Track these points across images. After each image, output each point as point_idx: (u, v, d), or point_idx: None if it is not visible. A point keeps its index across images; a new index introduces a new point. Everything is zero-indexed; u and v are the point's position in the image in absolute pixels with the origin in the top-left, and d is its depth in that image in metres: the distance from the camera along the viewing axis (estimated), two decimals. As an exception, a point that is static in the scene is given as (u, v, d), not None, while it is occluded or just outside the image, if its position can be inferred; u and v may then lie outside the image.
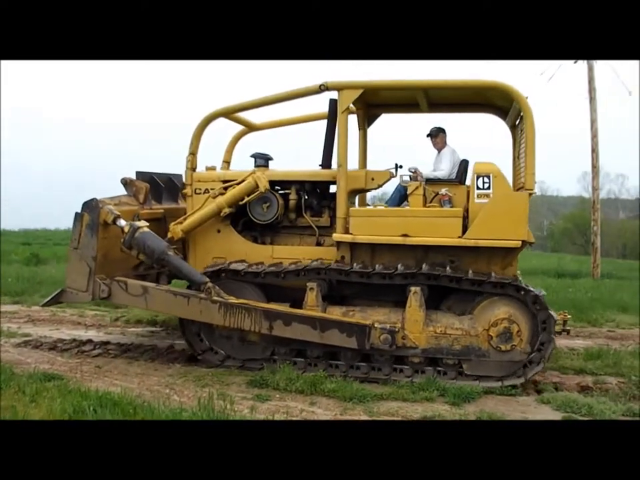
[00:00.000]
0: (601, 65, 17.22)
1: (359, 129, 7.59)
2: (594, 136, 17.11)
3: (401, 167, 6.68)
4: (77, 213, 6.10)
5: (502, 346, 5.65)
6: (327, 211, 6.76)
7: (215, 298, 5.89)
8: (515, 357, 5.70)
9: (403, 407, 5.12)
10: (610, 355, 6.82)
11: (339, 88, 6.19)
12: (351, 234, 6.08)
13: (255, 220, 6.58)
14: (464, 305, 5.93)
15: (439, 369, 5.89)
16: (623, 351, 7.12)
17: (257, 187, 6.31)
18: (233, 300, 5.93)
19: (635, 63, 20.49)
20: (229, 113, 6.97)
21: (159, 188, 7.23)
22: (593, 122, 17.06)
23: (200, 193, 6.70)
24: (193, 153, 6.75)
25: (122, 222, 6.12)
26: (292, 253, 6.56)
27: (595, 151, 17.25)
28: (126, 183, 6.78)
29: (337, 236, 6.11)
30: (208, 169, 6.96)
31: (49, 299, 6.36)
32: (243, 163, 7.62)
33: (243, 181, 6.39)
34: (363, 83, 6.19)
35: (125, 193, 6.82)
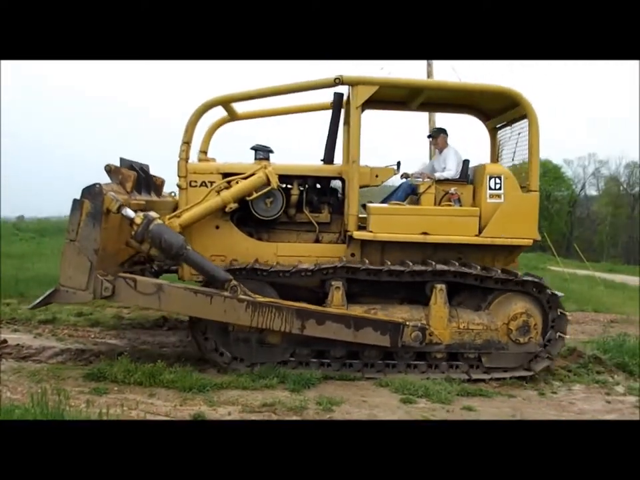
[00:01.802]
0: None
1: (345, 124, 7.53)
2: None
3: (399, 163, 6.75)
4: (75, 200, 5.33)
5: (520, 339, 5.95)
6: (326, 207, 6.63)
7: (242, 296, 5.52)
8: (531, 349, 6.04)
9: (243, 395, 5.11)
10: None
11: (354, 83, 6.11)
12: (371, 231, 6.03)
13: (258, 216, 6.27)
14: (475, 301, 6.15)
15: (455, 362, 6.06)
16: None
17: (268, 182, 6.03)
18: (261, 298, 5.60)
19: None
20: (230, 101, 6.55)
21: (139, 178, 6.59)
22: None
23: (196, 186, 6.24)
24: (187, 142, 6.25)
25: (129, 211, 5.51)
26: (297, 250, 6.35)
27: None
28: (110, 170, 6.02)
29: (358, 234, 6.03)
30: (201, 160, 6.49)
31: (39, 300, 5.49)
32: (218, 154, 7.23)
33: (250, 175, 6.07)
34: (378, 80, 6.19)
35: (109, 181, 6.12)
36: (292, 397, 5.11)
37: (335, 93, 6.51)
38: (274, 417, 4.60)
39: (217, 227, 6.25)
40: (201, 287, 5.67)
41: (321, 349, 5.91)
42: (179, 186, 6.30)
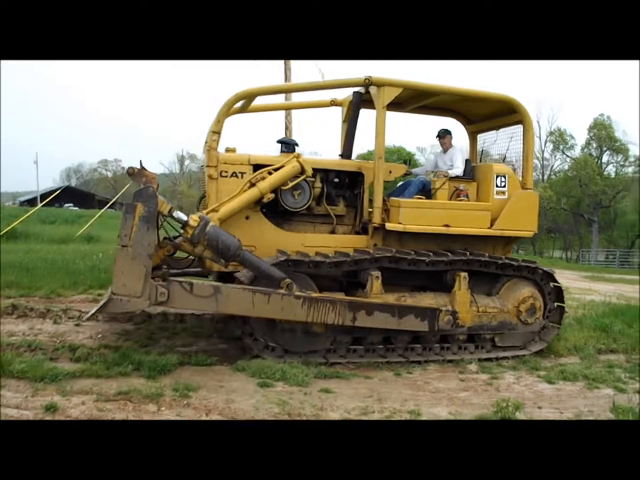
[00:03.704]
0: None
1: (343, 122, 7.87)
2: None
3: (409, 161, 7.26)
4: (127, 204, 5.18)
5: (529, 319, 6.72)
6: (341, 200, 6.93)
7: (298, 293, 5.66)
8: (535, 328, 6.84)
9: (98, 383, 4.89)
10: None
11: (382, 84, 6.49)
12: (401, 223, 6.45)
13: (286, 207, 6.42)
14: (482, 287, 6.79)
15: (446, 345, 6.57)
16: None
17: (303, 171, 6.23)
18: (315, 294, 5.79)
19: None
20: (262, 94, 6.61)
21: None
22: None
23: (226, 176, 6.27)
24: (217, 132, 6.26)
25: (180, 214, 5.47)
26: (323, 241, 6.59)
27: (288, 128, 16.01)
28: (133, 172, 5.69)
29: (391, 225, 6.43)
30: (228, 150, 6.50)
31: (94, 311, 5.26)
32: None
33: (282, 166, 6.23)
34: (403, 82, 6.60)
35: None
36: (148, 384, 4.94)
37: (354, 92, 6.85)
38: (129, 406, 4.46)
39: (247, 218, 6.32)
40: (257, 287, 5.68)
41: (359, 336, 6.21)
42: (209, 176, 6.26)
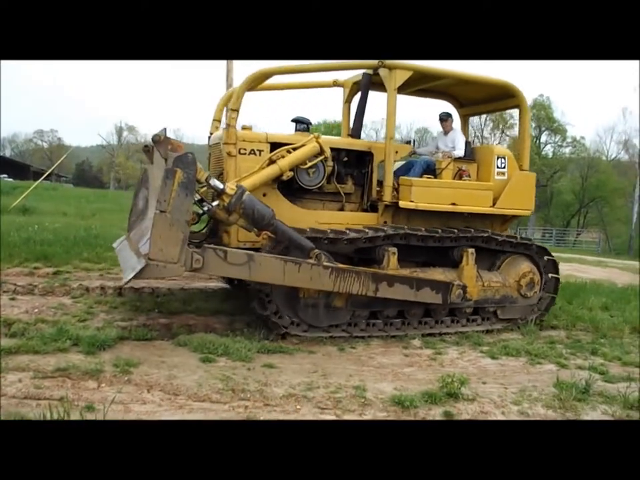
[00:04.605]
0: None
1: (344, 103, 8.03)
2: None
3: (414, 141, 7.52)
4: (167, 169, 5.13)
5: (528, 293, 7.16)
6: (349, 178, 7.11)
7: (326, 264, 5.85)
8: (533, 301, 7.29)
9: (35, 359, 4.68)
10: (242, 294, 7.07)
11: (394, 67, 6.66)
12: (413, 201, 6.72)
13: (302, 185, 6.54)
14: (482, 262, 7.15)
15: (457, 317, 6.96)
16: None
17: (322, 151, 6.38)
18: (341, 265, 5.97)
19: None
20: (280, 73, 6.65)
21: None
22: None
23: (245, 154, 6.35)
24: (236, 110, 6.29)
25: (217, 182, 5.52)
26: (335, 218, 6.76)
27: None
28: (159, 140, 5.61)
29: (403, 203, 6.68)
30: (244, 128, 6.55)
31: (130, 277, 5.13)
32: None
33: (301, 145, 6.35)
34: (413, 66, 6.77)
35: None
36: (87, 359, 4.77)
37: (364, 74, 7.02)
38: (68, 382, 4.29)
39: (264, 195, 6.39)
40: (288, 257, 5.80)
41: (377, 309, 6.47)
42: (228, 153, 6.31)
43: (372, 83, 7.08)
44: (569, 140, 48.61)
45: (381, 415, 4.21)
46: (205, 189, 5.89)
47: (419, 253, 6.81)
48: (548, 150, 49.56)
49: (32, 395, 4.00)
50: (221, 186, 5.51)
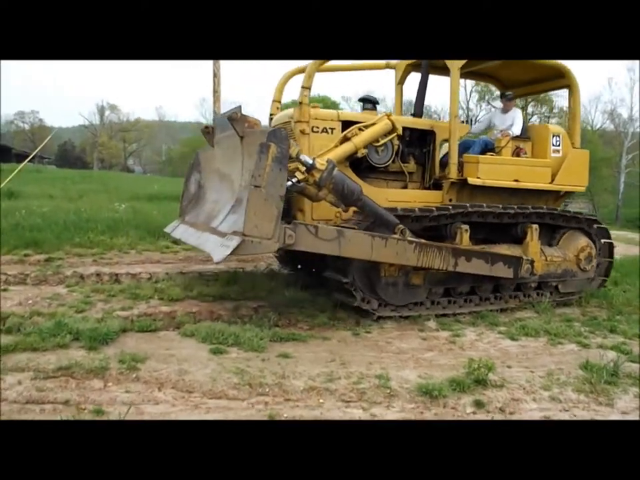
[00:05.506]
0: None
1: (397, 84, 8.11)
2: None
3: (470, 121, 7.62)
4: (262, 144, 5.01)
5: (587, 267, 7.40)
6: (411, 157, 7.19)
7: (411, 239, 5.96)
8: (590, 274, 7.54)
9: (34, 358, 4.34)
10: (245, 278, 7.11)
11: None
12: (480, 178, 6.87)
13: (372, 163, 6.60)
14: (542, 238, 7.27)
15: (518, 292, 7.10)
16: (257, 274, 7.74)
17: (394, 129, 6.47)
18: (424, 241, 6.08)
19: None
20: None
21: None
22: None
23: (317, 132, 6.41)
24: (308, 87, 6.30)
25: (306, 157, 5.52)
26: (403, 196, 6.88)
27: (216, 75, 16.38)
28: (237, 117, 5.63)
29: (472, 180, 6.83)
30: (314, 106, 6.60)
31: (227, 252, 5.02)
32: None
33: (373, 123, 6.42)
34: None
35: None
36: (90, 356, 4.46)
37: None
38: (72, 383, 4.01)
39: None
40: (375, 233, 5.85)
41: (451, 286, 6.62)
42: (301, 131, 6.34)
43: (431, 65, 7.17)
44: (555, 110, 48.89)
45: (410, 407, 4.00)
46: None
47: (480, 230, 6.94)
48: (534, 121, 49.84)
49: (34, 399, 3.72)
50: (311, 161, 5.51)
